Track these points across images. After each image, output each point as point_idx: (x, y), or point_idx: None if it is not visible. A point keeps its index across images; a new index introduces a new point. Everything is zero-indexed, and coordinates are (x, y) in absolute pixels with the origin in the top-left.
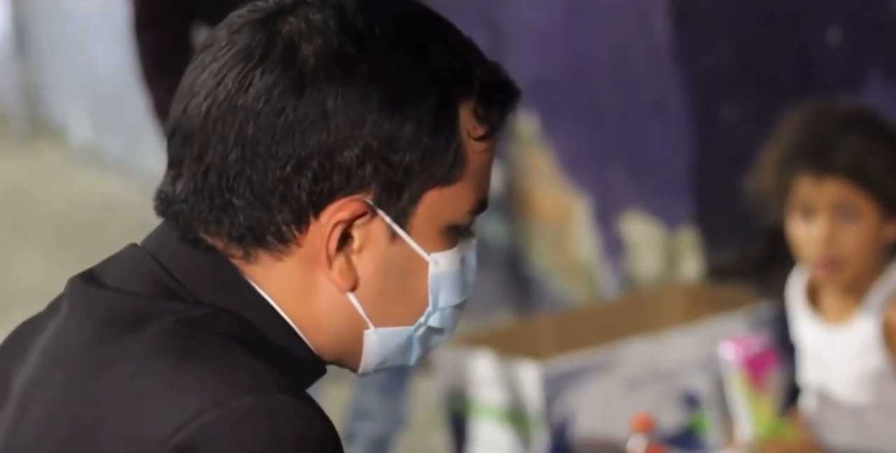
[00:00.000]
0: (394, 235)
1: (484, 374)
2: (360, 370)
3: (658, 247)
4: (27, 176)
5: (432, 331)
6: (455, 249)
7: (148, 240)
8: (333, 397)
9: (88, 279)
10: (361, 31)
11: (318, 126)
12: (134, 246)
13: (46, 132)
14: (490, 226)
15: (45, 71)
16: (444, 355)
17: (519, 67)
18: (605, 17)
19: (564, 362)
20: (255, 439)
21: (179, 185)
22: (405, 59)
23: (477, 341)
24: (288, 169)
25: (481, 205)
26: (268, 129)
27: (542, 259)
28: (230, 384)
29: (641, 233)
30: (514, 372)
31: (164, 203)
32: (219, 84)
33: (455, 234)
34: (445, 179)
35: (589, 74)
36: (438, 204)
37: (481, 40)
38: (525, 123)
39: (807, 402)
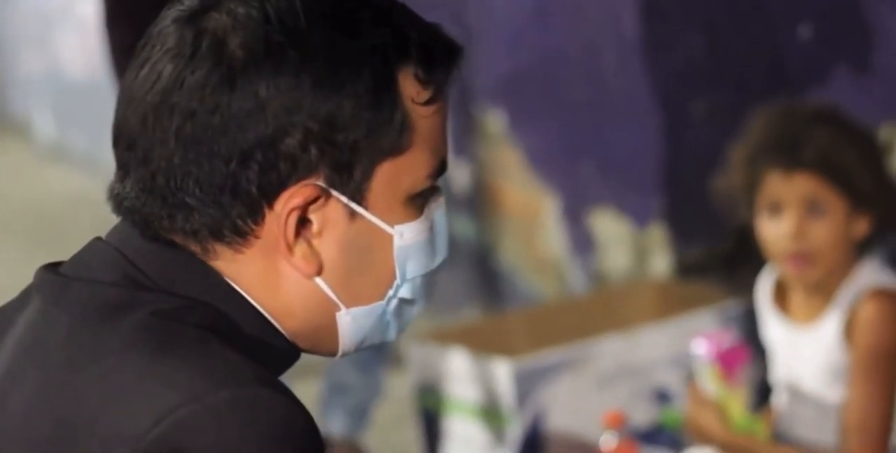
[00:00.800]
0: (353, 213)
1: (456, 370)
2: (340, 352)
3: (627, 244)
4: None
5: (405, 302)
6: (421, 218)
7: (111, 235)
8: (303, 392)
9: (58, 271)
10: (286, 17)
11: (254, 118)
12: (99, 239)
13: (11, 129)
14: (459, 223)
15: (8, 67)
16: (415, 351)
17: (488, 64)
18: (574, 13)
19: (536, 358)
20: (233, 432)
21: (128, 187)
22: (333, 38)
23: (448, 337)
24: (233, 164)
25: (441, 168)
26: (206, 127)
27: (512, 255)
28: (207, 378)
29: (611, 230)
30: (486, 369)
31: (117, 201)
32: (152, 86)
33: (420, 202)
34: (395, 150)
35: (558, 71)
36: (393, 175)
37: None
38: (493, 120)
39: (777, 400)
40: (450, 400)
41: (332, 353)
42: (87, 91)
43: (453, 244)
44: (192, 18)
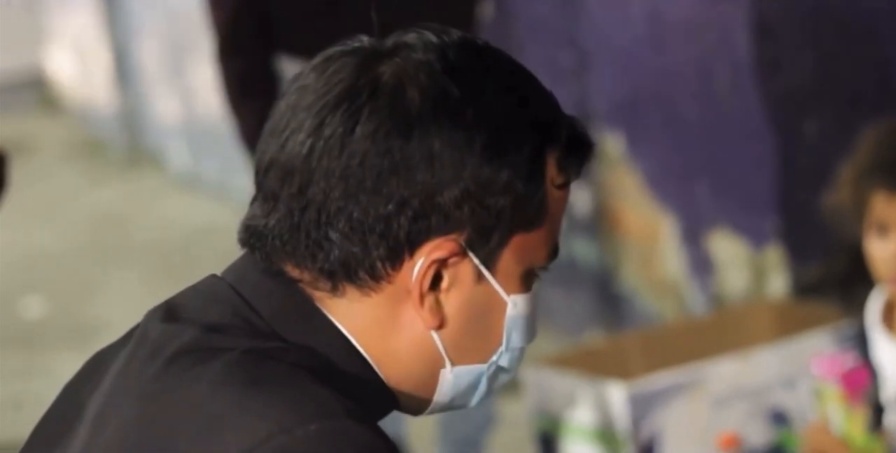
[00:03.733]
0: (480, 276)
1: (572, 394)
2: (429, 409)
3: (745, 265)
4: (125, 202)
5: (500, 370)
6: (532, 293)
7: (228, 271)
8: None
9: (166, 310)
10: (465, 74)
11: (423, 167)
12: (214, 276)
13: (145, 159)
14: (579, 246)
15: (143, 98)
16: (531, 375)
17: (604, 86)
18: (687, 34)
19: (651, 381)
20: None
21: (273, 220)
22: (507, 105)
23: (565, 361)
24: (390, 207)
25: (554, 252)
26: (374, 168)
27: (632, 277)
28: (297, 410)
29: (728, 251)
30: (601, 392)
31: (253, 236)
32: (322, 122)
33: (531, 279)
34: (531, 224)
35: (673, 92)
36: (522, 248)
37: (567, 60)
38: (612, 142)
39: (890, 419)
40: (566, 423)
41: (420, 410)
42: (220, 121)
43: (574, 266)
44: (369, 61)
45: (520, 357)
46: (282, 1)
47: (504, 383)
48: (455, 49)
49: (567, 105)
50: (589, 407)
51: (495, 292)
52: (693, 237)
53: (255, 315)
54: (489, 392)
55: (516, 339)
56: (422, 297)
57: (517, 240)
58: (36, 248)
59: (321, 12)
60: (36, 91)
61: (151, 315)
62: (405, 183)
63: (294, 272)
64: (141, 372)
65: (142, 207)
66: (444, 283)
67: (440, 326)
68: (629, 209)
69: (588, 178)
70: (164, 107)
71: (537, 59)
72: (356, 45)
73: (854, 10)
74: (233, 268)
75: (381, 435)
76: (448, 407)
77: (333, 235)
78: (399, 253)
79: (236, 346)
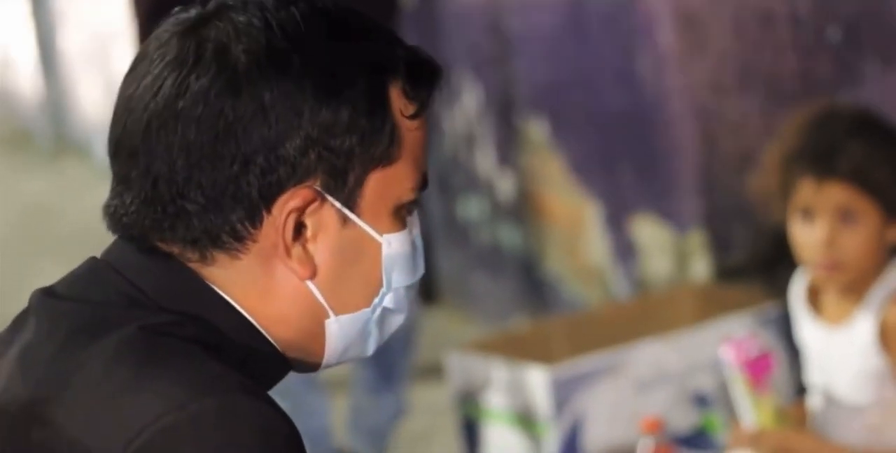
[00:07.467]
0: (345, 219)
1: (495, 379)
2: (323, 363)
3: (668, 249)
4: (52, 193)
5: (387, 312)
6: (406, 230)
7: (107, 252)
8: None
9: (51, 292)
10: (287, 25)
11: (257, 121)
12: (94, 258)
13: (71, 149)
14: (504, 231)
15: (67, 89)
16: (455, 361)
17: (528, 74)
18: (610, 20)
19: (574, 365)
20: (215, 440)
21: (128, 199)
22: (333, 47)
23: (489, 346)
24: (235, 167)
25: (422, 182)
26: (210, 131)
27: (556, 263)
28: (191, 387)
29: (652, 236)
30: (524, 377)
31: (115, 218)
32: (155, 95)
33: (404, 214)
34: (385, 159)
35: (595, 78)
36: (383, 184)
37: (490, 47)
38: (535, 129)
39: (812, 402)
40: (489, 408)
41: (316, 365)
42: None
43: (498, 252)
44: (193, 29)
45: (407, 296)
46: None
47: (397, 325)
48: (274, 1)
49: (491, 91)
50: (512, 391)
51: (365, 233)
52: (616, 222)
53: (137, 291)
54: (382, 337)
55: (398, 279)
56: (287, 249)
57: (376, 177)
58: None
59: None
60: None
61: (37, 297)
62: (244, 141)
63: (164, 246)
64: (36, 357)
65: (69, 198)
66: (309, 232)
67: (313, 275)
68: (553, 195)
69: (511, 164)
70: (90, 96)
71: (461, 47)
72: (182, 16)
73: None
74: (111, 249)
75: (277, 409)
76: (344, 358)
77: (189, 206)
78: (256, 211)
79: (128, 321)
